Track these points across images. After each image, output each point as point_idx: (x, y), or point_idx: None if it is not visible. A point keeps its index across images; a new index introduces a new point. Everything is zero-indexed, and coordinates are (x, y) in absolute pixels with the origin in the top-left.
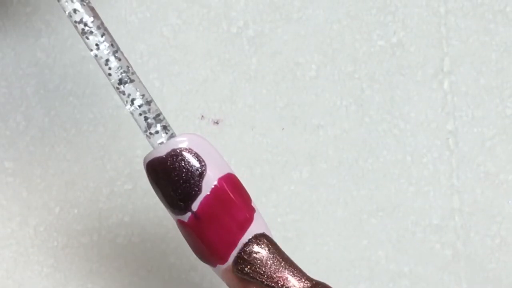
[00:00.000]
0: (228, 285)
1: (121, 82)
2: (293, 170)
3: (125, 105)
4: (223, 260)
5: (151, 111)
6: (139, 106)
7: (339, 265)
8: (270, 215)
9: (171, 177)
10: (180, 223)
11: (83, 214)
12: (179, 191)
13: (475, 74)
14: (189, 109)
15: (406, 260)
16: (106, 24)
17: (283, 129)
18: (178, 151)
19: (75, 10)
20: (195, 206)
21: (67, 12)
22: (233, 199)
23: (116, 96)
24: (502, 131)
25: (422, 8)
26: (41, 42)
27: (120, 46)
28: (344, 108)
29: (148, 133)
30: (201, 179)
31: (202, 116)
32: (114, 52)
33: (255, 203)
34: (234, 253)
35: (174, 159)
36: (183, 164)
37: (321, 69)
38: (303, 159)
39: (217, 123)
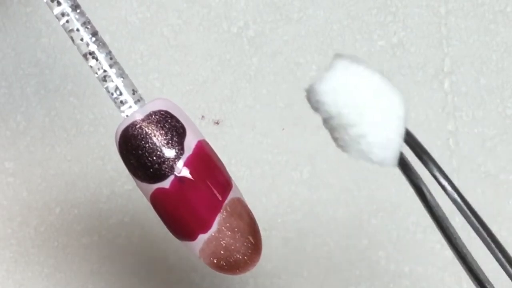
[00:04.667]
0: (206, 262)
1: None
2: (293, 170)
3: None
4: (207, 227)
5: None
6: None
7: (339, 265)
8: (270, 215)
9: (152, 140)
10: (159, 193)
11: (83, 215)
12: (161, 153)
13: (476, 75)
14: (189, 109)
15: (406, 260)
16: (106, 25)
17: (283, 129)
18: (157, 112)
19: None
20: (178, 168)
21: None
22: (214, 161)
23: None
24: (502, 131)
25: (423, 8)
26: (41, 42)
27: (120, 46)
28: None
29: (119, 101)
30: (182, 139)
31: (203, 116)
32: (84, 24)
33: (255, 203)
34: (218, 218)
35: (154, 121)
36: (163, 124)
37: (321, 69)
38: (304, 159)
39: (217, 123)
